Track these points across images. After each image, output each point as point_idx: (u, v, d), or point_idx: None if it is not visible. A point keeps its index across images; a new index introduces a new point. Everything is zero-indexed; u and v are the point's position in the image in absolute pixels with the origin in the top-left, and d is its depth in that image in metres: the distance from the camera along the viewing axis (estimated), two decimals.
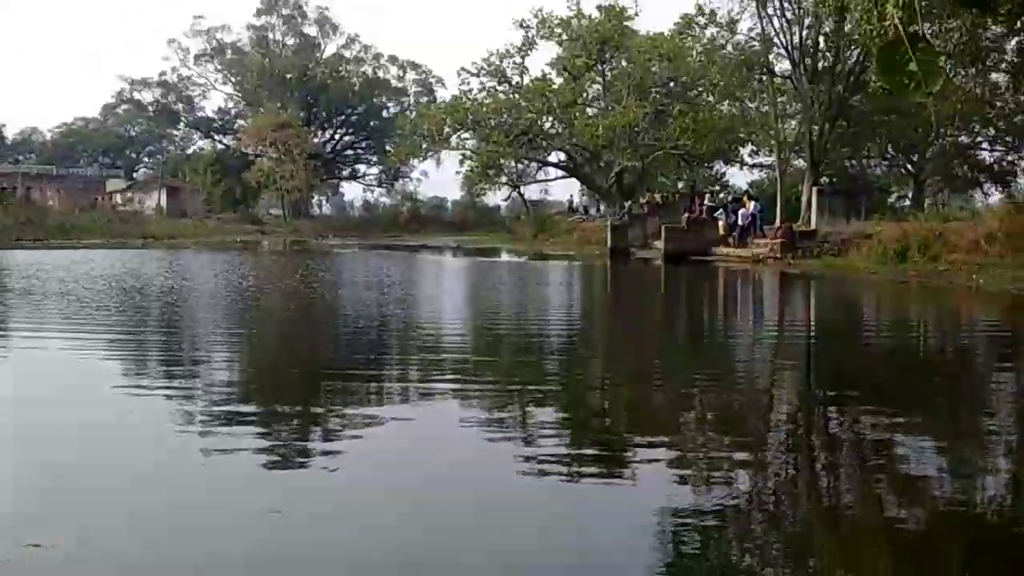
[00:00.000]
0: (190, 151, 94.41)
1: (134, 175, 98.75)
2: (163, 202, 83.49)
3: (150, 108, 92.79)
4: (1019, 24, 22.80)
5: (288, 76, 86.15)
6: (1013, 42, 26.84)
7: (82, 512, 5.87)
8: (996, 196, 54.34)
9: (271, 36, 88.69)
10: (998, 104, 40.84)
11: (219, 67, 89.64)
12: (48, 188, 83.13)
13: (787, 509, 6.69)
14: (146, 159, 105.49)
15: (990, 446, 8.57)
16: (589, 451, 8.15)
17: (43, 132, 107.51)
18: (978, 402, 10.93)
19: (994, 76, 34.84)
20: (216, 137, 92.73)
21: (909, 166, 56.12)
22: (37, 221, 66.04)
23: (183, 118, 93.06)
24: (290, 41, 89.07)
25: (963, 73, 32.58)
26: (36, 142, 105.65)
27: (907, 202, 53.79)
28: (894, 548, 5.85)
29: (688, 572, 5.40)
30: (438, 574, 5.22)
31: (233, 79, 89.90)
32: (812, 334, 18.11)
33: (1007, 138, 49.82)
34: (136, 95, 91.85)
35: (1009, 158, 53.30)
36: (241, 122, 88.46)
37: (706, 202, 47.45)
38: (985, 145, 53.79)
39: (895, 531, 6.14)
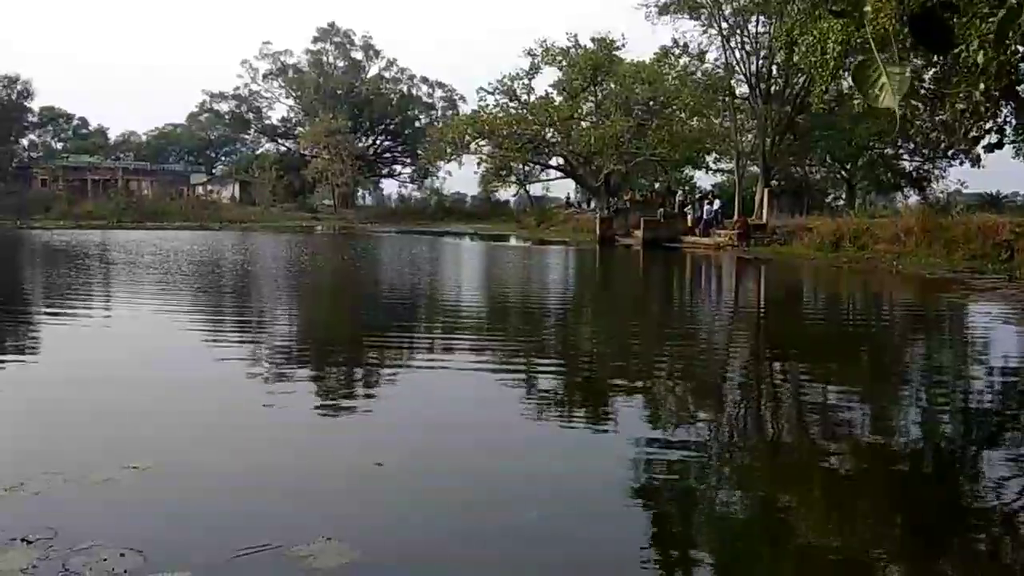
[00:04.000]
0: (258, 152, 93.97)
1: (213, 171, 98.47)
2: (236, 193, 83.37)
3: (226, 116, 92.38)
4: (935, 58, 22.72)
5: (338, 92, 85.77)
6: (931, 72, 26.66)
7: (166, 442, 5.97)
8: (914, 198, 54.19)
9: (325, 59, 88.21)
10: (917, 122, 40.59)
11: (282, 84, 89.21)
12: (143, 180, 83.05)
13: (737, 439, 6.87)
14: (223, 158, 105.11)
15: (901, 388, 8.75)
16: (579, 385, 8.33)
17: (140, 134, 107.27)
18: (894, 354, 11.10)
19: (914, 100, 34.61)
20: (279, 141, 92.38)
21: (844, 172, 55.87)
22: (135, 207, 66.31)
23: (253, 125, 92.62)
24: (340, 63, 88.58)
25: (912, 80, 32.33)
26: (134, 143, 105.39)
27: (841, 202, 53.59)
28: (819, 466, 6.03)
29: (656, 492, 5.54)
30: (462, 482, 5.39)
31: (294, 94, 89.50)
32: (761, 304, 18.25)
33: (924, 151, 49.57)
34: (215, 105, 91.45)
35: (925, 167, 53.05)
36: (300, 129, 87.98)
37: (677, 199, 47.47)
38: (905, 156, 53.52)
39: (821, 454, 6.33)
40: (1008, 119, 29.35)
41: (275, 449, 5.86)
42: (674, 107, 52.49)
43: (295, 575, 3.77)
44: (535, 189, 72.90)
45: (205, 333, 11.28)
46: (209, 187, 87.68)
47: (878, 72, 1.79)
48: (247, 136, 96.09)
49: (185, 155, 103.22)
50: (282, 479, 5.19)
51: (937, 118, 34.76)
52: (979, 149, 22.39)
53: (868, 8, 1.82)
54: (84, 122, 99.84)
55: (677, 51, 49.16)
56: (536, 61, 59.31)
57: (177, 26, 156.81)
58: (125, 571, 3.75)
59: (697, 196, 49.59)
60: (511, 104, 60.75)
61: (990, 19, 11.02)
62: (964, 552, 4.46)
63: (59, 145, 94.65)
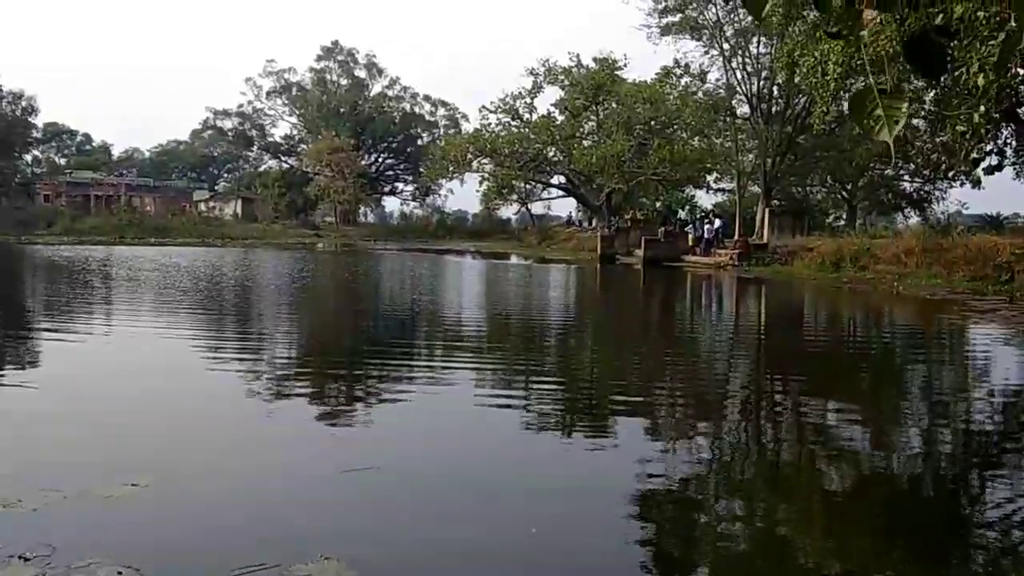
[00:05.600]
0: (261, 169, 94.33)
1: (216, 187, 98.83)
2: (239, 210, 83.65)
3: (230, 134, 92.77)
4: (935, 81, 22.82)
5: (342, 110, 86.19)
6: (931, 94, 26.79)
7: (165, 460, 5.95)
8: (914, 219, 54.26)
9: (328, 77, 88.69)
10: (917, 144, 40.71)
11: (286, 101, 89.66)
12: (146, 197, 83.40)
13: (737, 458, 6.85)
14: (226, 174, 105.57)
15: (901, 410, 8.73)
16: (579, 404, 8.32)
17: (143, 151, 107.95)
18: (894, 376, 11.08)
19: (915, 121, 34.75)
20: (283, 158, 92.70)
21: (844, 193, 55.99)
22: (137, 223, 66.48)
23: (256, 142, 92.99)
24: (344, 81, 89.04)
25: (908, 117, 32.51)
26: (137, 159, 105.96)
27: (842, 222, 53.61)
28: (819, 486, 6.01)
29: (656, 511, 5.52)
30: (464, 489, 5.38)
31: (297, 111, 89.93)
32: (762, 324, 18.23)
33: (924, 172, 49.69)
34: (218, 123, 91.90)
35: (926, 188, 53.15)
36: (303, 146, 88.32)
37: (680, 216, 47.61)
38: (906, 177, 53.63)
39: (821, 474, 6.31)
40: (1009, 141, 29.48)
41: (274, 467, 5.83)
42: (675, 127, 52.73)
43: None
44: (536, 207, 73.20)
45: (205, 351, 11.27)
46: (212, 204, 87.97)
47: (875, 103, 1.78)
48: (250, 153, 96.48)
49: (188, 172, 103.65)
50: (281, 497, 5.18)
51: (938, 139, 34.94)
52: (979, 171, 22.44)
53: (864, 33, 1.82)
54: (88, 138, 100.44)
55: (679, 71, 49.43)
56: (538, 80, 59.69)
57: (182, 44, 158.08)
58: None
59: (698, 216, 49.70)
60: (513, 123, 61.04)
61: (990, 42, 11.09)
62: (964, 572, 4.44)
63: (62, 161, 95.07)
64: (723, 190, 59.32)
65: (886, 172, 51.53)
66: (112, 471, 5.42)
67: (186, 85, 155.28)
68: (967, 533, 5.04)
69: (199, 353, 10.93)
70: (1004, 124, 24.34)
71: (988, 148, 21.72)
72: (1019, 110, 27.87)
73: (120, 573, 3.88)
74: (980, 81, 11.01)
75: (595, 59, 57.91)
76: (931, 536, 5.01)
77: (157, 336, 12.45)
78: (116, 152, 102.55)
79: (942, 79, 20.81)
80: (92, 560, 3.99)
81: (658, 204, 58.18)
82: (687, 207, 58.39)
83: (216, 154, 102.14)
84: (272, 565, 3.99)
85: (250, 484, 5.42)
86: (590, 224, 64.77)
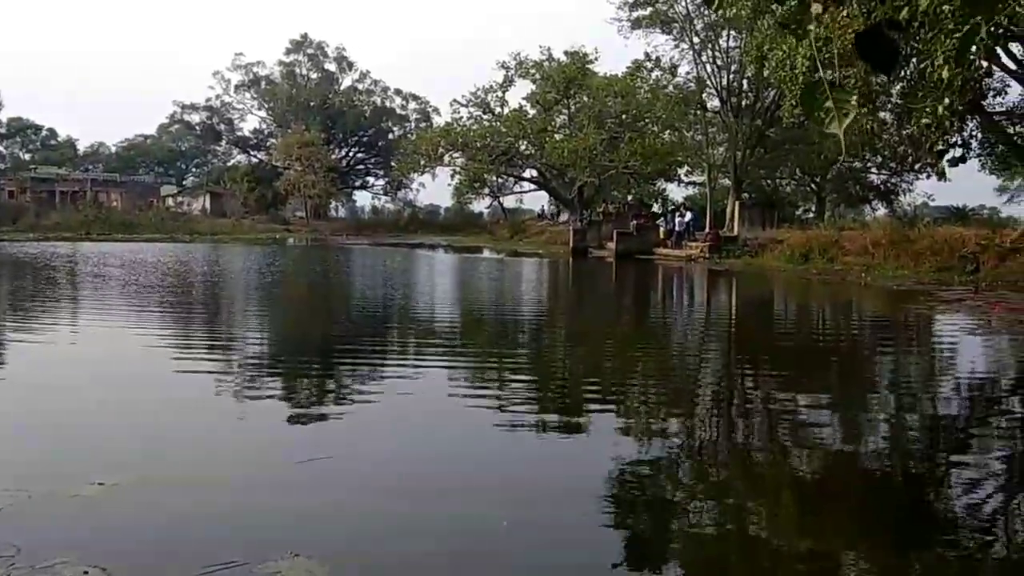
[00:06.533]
0: (230, 163, 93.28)
1: (184, 182, 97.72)
2: (207, 205, 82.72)
3: (197, 128, 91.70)
4: (902, 73, 23.10)
5: (311, 104, 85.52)
6: (898, 87, 27.10)
7: (133, 458, 5.87)
8: (882, 211, 55.00)
9: (298, 71, 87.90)
10: (884, 137, 41.19)
11: (255, 95, 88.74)
12: (112, 192, 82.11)
13: (707, 447, 6.90)
14: (194, 169, 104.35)
15: (869, 398, 8.83)
16: (551, 397, 8.34)
17: (109, 146, 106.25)
18: (862, 365, 11.22)
19: (882, 114, 35.16)
20: (252, 152, 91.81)
21: (813, 185, 56.53)
22: (103, 219, 65.50)
23: (225, 136, 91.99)
24: (313, 75, 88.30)
25: (857, 111, 32.90)
26: (103, 154, 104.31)
27: (811, 214, 54.19)
28: (789, 473, 6.07)
29: (628, 500, 5.54)
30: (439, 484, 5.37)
31: (266, 105, 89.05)
32: (732, 316, 18.38)
33: (891, 164, 50.32)
34: (186, 117, 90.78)
35: (893, 181, 53.83)
36: (272, 140, 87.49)
37: (654, 209, 47.87)
38: (874, 170, 54.27)
39: (791, 461, 6.37)
40: (974, 133, 29.92)
41: (243, 465, 5.79)
42: (646, 120, 52.90)
43: None
44: (508, 201, 73.16)
45: (172, 348, 11.15)
46: (180, 199, 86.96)
47: (825, 96, 1.79)
48: (218, 148, 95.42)
49: (155, 167, 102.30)
50: (250, 495, 5.13)
51: (904, 132, 35.36)
52: (944, 163, 22.76)
53: (811, 27, 1.82)
54: (53, 133, 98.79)
55: (649, 65, 49.67)
56: (510, 74, 59.66)
57: (147, 37, 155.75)
58: None
59: (670, 208, 49.99)
60: (485, 116, 60.98)
61: (955, 35, 11.22)
62: (932, 555, 4.50)
63: (27, 156, 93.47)
64: (694, 183, 59.66)
65: (854, 165, 52.14)
66: (79, 471, 5.35)
67: (152, 79, 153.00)
68: (934, 518, 5.11)
69: (166, 351, 10.81)
70: (969, 117, 24.69)
71: (953, 140, 22.02)
72: (983, 103, 28.31)
73: (87, 573, 3.83)
74: (944, 74, 11.15)
75: (566, 52, 58.01)
76: (899, 521, 5.07)
77: (123, 334, 12.29)
78: (82, 147, 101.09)
79: (907, 72, 21.06)
80: (58, 560, 3.93)
81: (630, 197, 58.34)
82: (659, 200, 58.68)
83: (184, 149, 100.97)
84: (241, 563, 3.96)
85: (219, 481, 5.37)
86: (560, 217, 64.90)
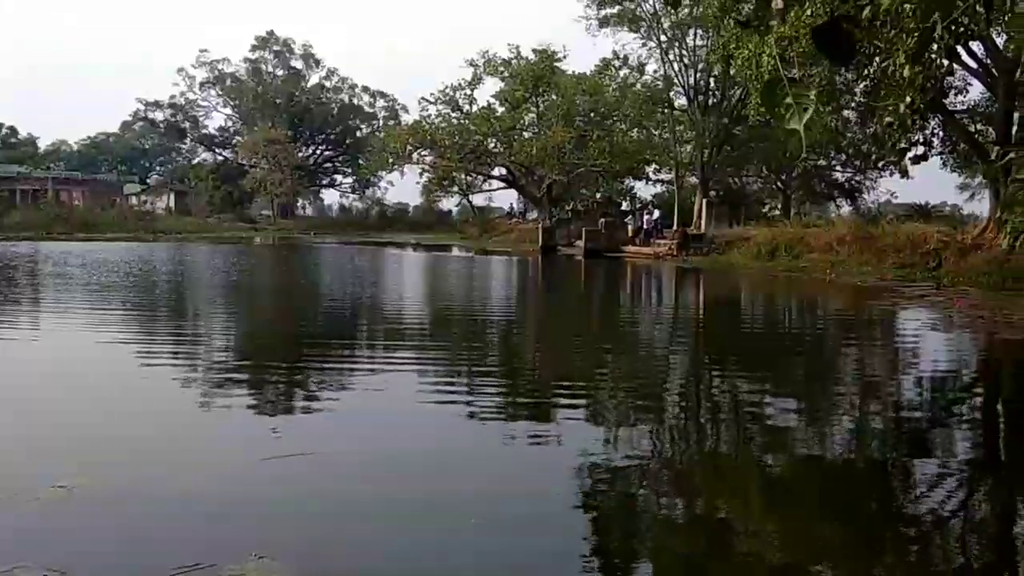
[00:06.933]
0: (195, 161, 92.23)
1: (147, 181, 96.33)
2: (172, 204, 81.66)
3: (161, 126, 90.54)
4: (866, 72, 23.41)
5: (278, 101, 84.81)
6: (861, 86, 27.47)
7: (95, 461, 5.77)
8: (846, 208, 55.79)
9: (264, 68, 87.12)
10: (848, 135, 41.75)
11: (220, 93, 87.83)
12: (74, 191, 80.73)
13: (674, 445, 6.94)
14: (158, 167, 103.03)
15: (834, 395, 8.94)
16: (519, 395, 8.34)
17: (71, 144, 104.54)
18: (826, 362, 11.35)
19: (846, 113, 35.67)
20: (217, 150, 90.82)
21: (779, 183, 57.14)
22: (65, 218, 64.40)
23: (189, 134, 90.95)
24: (280, 72, 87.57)
25: (822, 110, 33.33)
26: (65, 152, 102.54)
27: (777, 212, 54.75)
28: (755, 470, 6.13)
29: (596, 498, 5.55)
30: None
31: (232, 103, 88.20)
32: (700, 313, 18.51)
33: (856, 162, 51.03)
34: (150, 114, 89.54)
35: (857, 179, 54.60)
36: (238, 138, 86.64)
37: (623, 207, 48.11)
38: (838, 168, 54.99)
39: (756, 459, 6.43)
40: (936, 131, 30.40)
41: (207, 467, 5.71)
42: (615, 118, 53.15)
43: None
44: (478, 199, 73.15)
45: (136, 349, 10.98)
46: (143, 197, 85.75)
47: (785, 92, 1.80)
48: (183, 145, 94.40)
49: (118, 165, 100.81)
50: (214, 498, 5.06)
51: (868, 131, 35.87)
52: (906, 161, 23.11)
53: (774, 23, 1.83)
54: (13, 131, 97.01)
55: (617, 63, 49.92)
56: (478, 72, 59.61)
57: (110, 33, 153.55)
58: None
59: (638, 206, 50.27)
60: (453, 114, 60.88)
61: (916, 33, 11.36)
62: (896, 553, 4.56)
63: None
64: (662, 181, 60.05)
65: (819, 163, 52.79)
66: (39, 473, 5.25)
67: (115, 75, 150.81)
68: (897, 512, 5.18)
69: (129, 351, 10.64)
70: (931, 115, 25.08)
71: (915, 138, 22.33)
72: (945, 101, 28.79)
73: None
74: (906, 72, 11.30)
75: (535, 50, 58.07)
76: (862, 514, 5.14)
77: (85, 334, 12.08)
78: (43, 145, 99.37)
79: (870, 71, 21.33)
80: (17, 564, 3.85)
81: (598, 195, 58.62)
82: (627, 198, 58.98)
83: (147, 147, 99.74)
84: (207, 565, 3.90)
85: (183, 483, 5.29)
86: (527, 216, 65.03)
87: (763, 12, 1.85)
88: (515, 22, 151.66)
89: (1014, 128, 26.79)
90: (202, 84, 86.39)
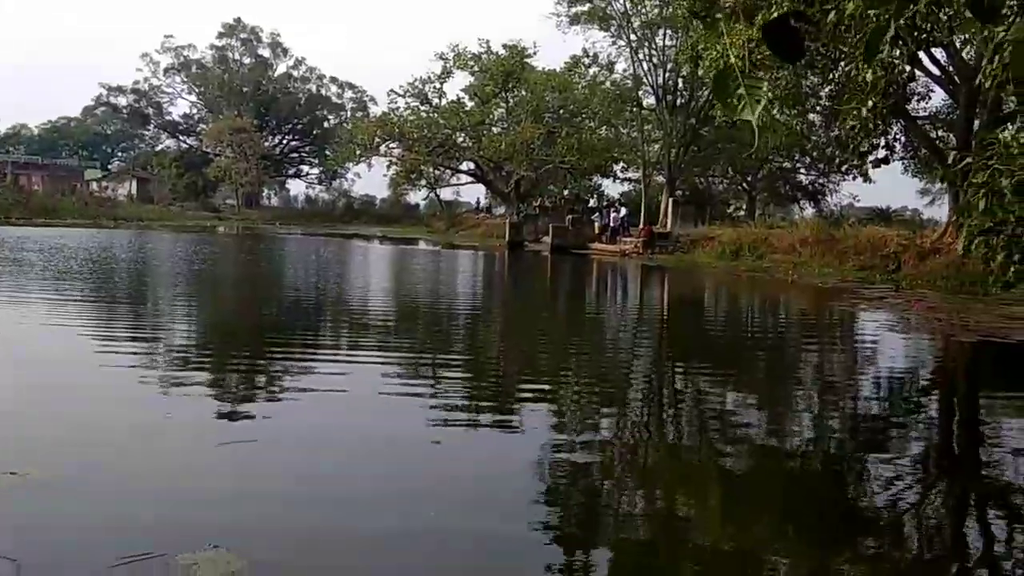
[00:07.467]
0: (158, 148, 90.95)
1: (109, 167, 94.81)
2: (133, 191, 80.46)
3: (124, 111, 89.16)
4: (831, 76, 23.74)
5: (244, 89, 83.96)
6: (826, 89, 27.84)
7: (49, 449, 5.65)
8: (809, 210, 56.57)
9: (230, 55, 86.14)
10: (813, 138, 42.34)
11: (185, 79, 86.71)
12: (34, 175, 79.17)
13: (638, 441, 6.99)
14: (120, 153, 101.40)
15: (793, 393, 9.07)
16: (482, 389, 8.35)
17: (31, 128, 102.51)
18: (787, 361, 11.51)
19: (811, 116, 36.16)
20: (181, 138, 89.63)
21: (745, 184, 57.80)
22: (23, 203, 63.06)
23: (153, 120, 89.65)
24: (247, 60, 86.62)
25: (787, 113, 33.77)
26: (24, 136, 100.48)
27: (742, 212, 55.39)
28: (717, 467, 6.20)
29: (558, 493, 5.58)
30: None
31: (197, 90, 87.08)
32: (664, 311, 18.65)
33: (820, 165, 51.79)
34: (112, 99, 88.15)
35: (820, 181, 55.39)
36: (203, 126, 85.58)
37: (590, 205, 48.30)
38: (802, 170, 55.72)
39: (719, 456, 6.50)
40: (898, 137, 30.89)
41: (162, 456, 5.63)
42: (584, 116, 53.37)
43: None
44: (446, 193, 72.90)
45: (92, 337, 10.80)
46: (104, 183, 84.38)
47: (737, 83, 1.81)
48: (146, 132, 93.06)
49: (79, 150, 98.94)
50: (169, 486, 5.00)
51: (832, 134, 36.39)
52: (868, 164, 23.49)
53: (720, 15, 1.85)
54: None
55: (587, 61, 50.13)
56: (448, 65, 59.39)
57: (72, 14, 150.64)
58: None
59: (604, 204, 50.51)
60: (422, 108, 60.64)
61: (871, 32, 11.55)
62: (855, 549, 4.64)
63: None
64: (629, 179, 60.41)
65: (784, 165, 53.46)
66: None
67: (77, 59, 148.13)
68: (855, 510, 5.28)
69: (86, 340, 10.47)
70: (893, 120, 25.49)
71: (878, 142, 22.72)
72: (907, 107, 29.26)
73: None
74: (869, 76, 11.52)
75: (505, 46, 58.02)
76: (820, 513, 5.22)
77: (40, 322, 11.86)
78: (2, 128, 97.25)
79: (835, 75, 21.62)
80: None
81: (566, 192, 58.77)
82: (595, 196, 59.20)
83: (109, 132, 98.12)
84: (158, 554, 3.86)
85: (137, 471, 5.22)
86: (494, 211, 65.02)
87: (711, 5, 1.87)
88: (486, 16, 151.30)
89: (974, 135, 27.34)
90: (167, 70, 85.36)
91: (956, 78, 26.97)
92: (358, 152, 61.31)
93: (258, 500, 4.83)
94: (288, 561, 4.02)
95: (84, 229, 45.93)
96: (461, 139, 59.29)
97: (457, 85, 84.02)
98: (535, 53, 57.72)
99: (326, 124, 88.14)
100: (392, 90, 61.51)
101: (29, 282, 17.16)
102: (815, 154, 48.85)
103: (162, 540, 4.02)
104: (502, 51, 57.99)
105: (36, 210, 60.34)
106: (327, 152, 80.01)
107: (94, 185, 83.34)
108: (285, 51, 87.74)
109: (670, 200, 42.84)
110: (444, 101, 60.15)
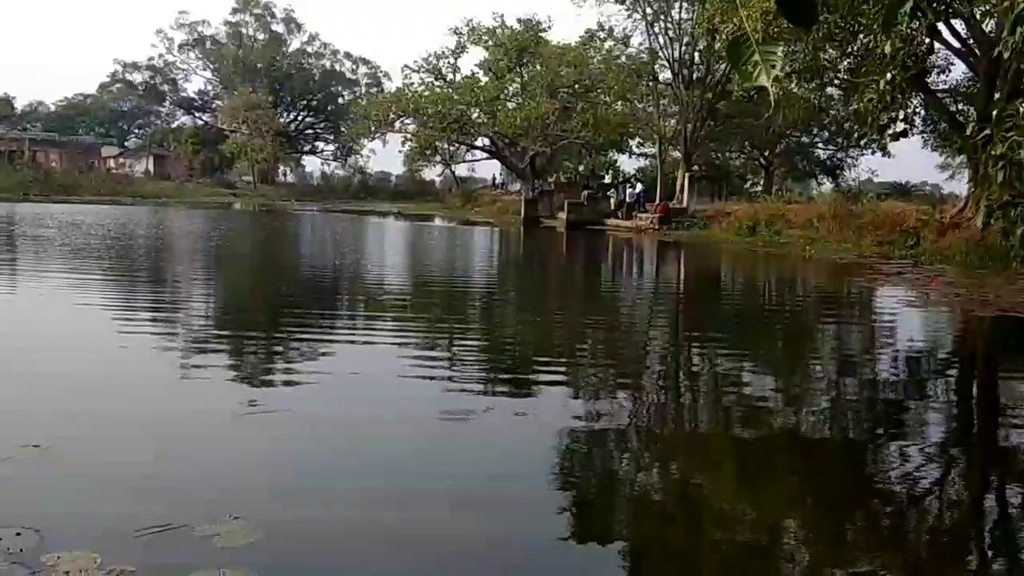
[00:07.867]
0: (174, 125, 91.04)
1: (126, 144, 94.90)
2: (150, 167, 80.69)
3: (140, 88, 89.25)
4: (849, 48, 23.44)
5: (259, 65, 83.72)
6: (845, 63, 27.48)
7: (69, 421, 5.72)
8: (827, 185, 56.05)
9: (244, 31, 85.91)
10: (831, 112, 41.82)
11: (199, 55, 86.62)
12: (51, 152, 79.45)
13: (654, 416, 7.01)
14: (136, 130, 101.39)
15: (811, 368, 9.06)
16: (499, 364, 8.38)
17: (48, 104, 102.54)
18: (804, 336, 11.48)
19: (829, 90, 35.73)
20: (197, 114, 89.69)
21: (762, 159, 57.24)
22: (42, 180, 63.51)
23: (168, 97, 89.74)
24: (260, 36, 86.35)
25: (805, 87, 33.33)
26: (42, 113, 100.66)
27: (759, 188, 54.88)
28: (732, 442, 6.22)
29: (574, 468, 5.61)
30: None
31: (211, 66, 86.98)
32: (680, 286, 18.62)
33: (838, 140, 51.19)
34: (128, 76, 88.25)
35: (839, 156, 54.83)
36: (218, 102, 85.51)
37: (605, 180, 48.01)
38: (820, 145, 55.16)
39: (734, 431, 6.52)
40: (917, 110, 30.49)
41: (182, 429, 5.71)
42: (599, 91, 52.85)
43: (199, 554, 3.69)
44: (461, 169, 72.69)
45: (112, 312, 10.92)
46: (121, 160, 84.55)
47: (751, 50, 1.79)
48: (162, 108, 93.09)
49: (96, 127, 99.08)
50: (189, 459, 5.08)
51: (850, 108, 36.00)
52: (886, 137, 23.22)
53: None
54: None
55: (602, 35, 49.57)
56: (462, 40, 59.01)
57: None
58: (21, 550, 3.63)
59: (620, 180, 50.25)
60: (436, 83, 60.29)
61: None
62: (869, 524, 4.66)
63: None
64: (645, 155, 59.97)
65: (802, 139, 52.94)
66: (14, 433, 5.23)
67: (93, 35, 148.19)
68: (873, 489, 5.28)
69: (106, 314, 10.59)
70: (913, 93, 25.12)
71: (897, 116, 22.43)
72: (927, 80, 28.85)
73: (19, 534, 3.76)
74: (887, 48, 11.37)
75: (519, 20, 57.57)
76: (837, 486, 5.24)
77: (62, 297, 12.00)
78: (19, 105, 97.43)
79: (854, 48, 21.31)
80: None
81: (581, 167, 58.47)
82: (610, 171, 58.88)
83: (126, 109, 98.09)
84: (178, 525, 3.92)
85: (158, 443, 5.29)
86: (510, 187, 64.80)
87: None
88: None
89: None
90: (181, 46, 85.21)
91: (976, 50, 26.52)
92: (373, 128, 61.12)
93: (277, 473, 4.89)
94: (304, 531, 4.07)
95: (102, 206, 46.23)
96: (476, 115, 58.97)
97: (471, 60, 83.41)
98: (550, 27, 57.30)
99: (340, 100, 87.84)
100: (406, 65, 61.44)
101: (53, 259, 17.32)
102: (833, 128, 48.28)
103: (183, 511, 4.09)
104: (516, 25, 57.57)
105: (55, 187, 60.74)
106: (342, 128, 79.84)
107: (111, 162, 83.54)
108: (299, 26, 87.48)
109: (686, 175, 42.50)
110: (458, 76, 59.86)
